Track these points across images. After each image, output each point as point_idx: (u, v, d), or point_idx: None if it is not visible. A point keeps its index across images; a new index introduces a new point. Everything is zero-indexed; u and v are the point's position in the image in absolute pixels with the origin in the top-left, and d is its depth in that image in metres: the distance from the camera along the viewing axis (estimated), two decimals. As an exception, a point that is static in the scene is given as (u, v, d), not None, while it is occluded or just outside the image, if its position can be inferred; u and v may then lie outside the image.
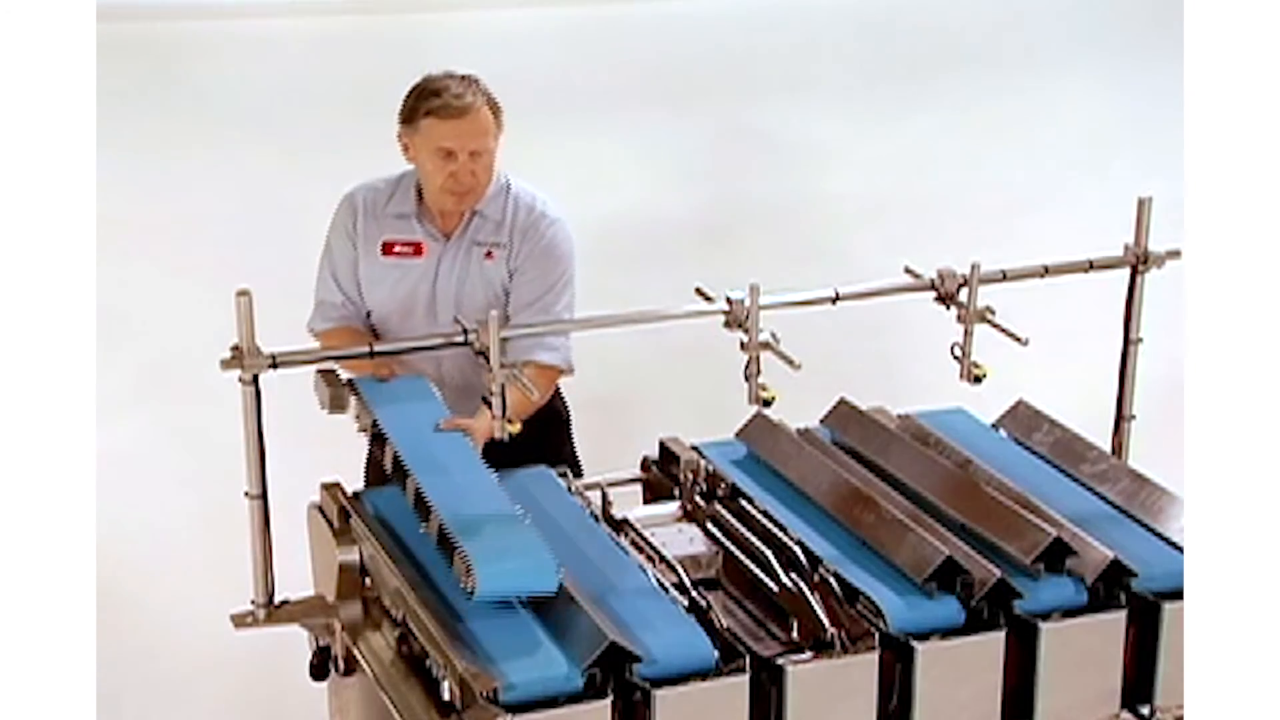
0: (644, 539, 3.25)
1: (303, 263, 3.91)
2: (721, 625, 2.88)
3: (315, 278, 3.77)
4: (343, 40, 11.15)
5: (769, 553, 3.13)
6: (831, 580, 3.01)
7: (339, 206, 3.77)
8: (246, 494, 3.10)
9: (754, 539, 3.19)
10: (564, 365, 3.72)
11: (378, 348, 3.28)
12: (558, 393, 3.92)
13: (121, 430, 5.59)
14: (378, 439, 3.28)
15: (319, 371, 3.33)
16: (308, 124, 9.32)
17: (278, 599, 3.17)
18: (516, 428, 3.06)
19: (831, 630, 2.89)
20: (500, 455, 3.30)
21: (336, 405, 3.31)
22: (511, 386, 3.09)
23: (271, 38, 11.07)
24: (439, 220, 3.69)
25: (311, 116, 9.49)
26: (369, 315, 3.76)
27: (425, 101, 3.57)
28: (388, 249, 3.69)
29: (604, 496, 3.40)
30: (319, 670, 3.19)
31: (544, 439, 3.68)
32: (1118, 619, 2.99)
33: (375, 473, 3.80)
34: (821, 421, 3.67)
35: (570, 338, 3.71)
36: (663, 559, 3.18)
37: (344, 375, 3.40)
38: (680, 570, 3.08)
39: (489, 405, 3.10)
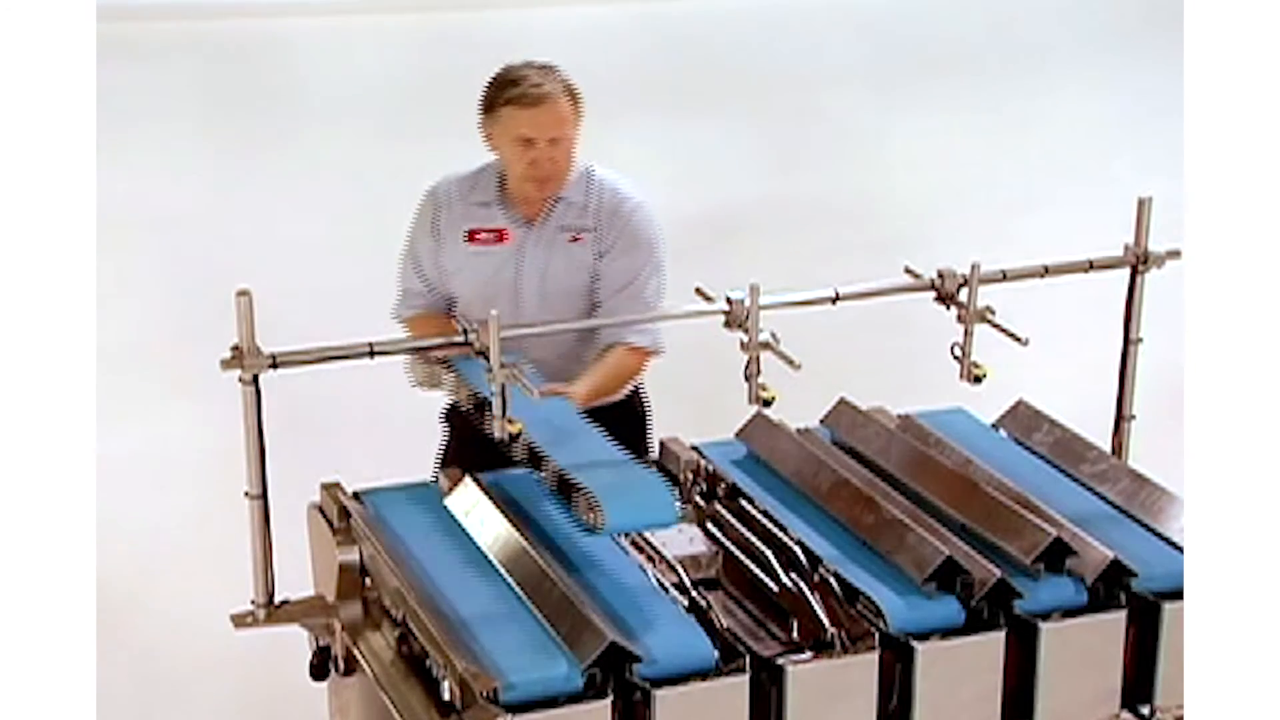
0: (644, 539, 3.25)
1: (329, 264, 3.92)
2: (721, 625, 2.88)
3: (398, 266, 3.85)
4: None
5: (769, 553, 3.13)
6: (831, 580, 3.01)
7: (422, 201, 3.82)
8: (246, 494, 3.10)
9: (754, 539, 3.19)
10: (653, 347, 3.77)
11: (378, 347, 3.26)
12: (638, 391, 3.93)
13: (122, 430, 5.59)
14: (479, 408, 3.28)
15: (413, 351, 3.37)
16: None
17: (278, 599, 3.17)
18: (517, 428, 3.06)
19: (831, 630, 2.88)
20: None
21: (432, 382, 3.38)
22: (606, 359, 3.25)
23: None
24: (522, 207, 3.72)
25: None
26: (453, 304, 3.81)
27: (504, 91, 3.62)
28: (471, 236, 3.74)
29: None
30: (319, 670, 3.19)
31: (621, 436, 3.69)
32: (1118, 619, 2.99)
33: (452, 463, 3.79)
34: (821, 421, 3.67)
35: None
36: (663, 559, 3.18)
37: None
38: (680, 570, 3.08)
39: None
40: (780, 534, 3.18)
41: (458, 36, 10.91)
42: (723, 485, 3.41)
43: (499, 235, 3.73)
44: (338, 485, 3.29)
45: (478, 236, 3.73)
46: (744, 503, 3.33)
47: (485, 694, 2.65)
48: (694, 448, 3.54)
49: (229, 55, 10.81)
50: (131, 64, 10.30)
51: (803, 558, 3.09)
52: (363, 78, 10.30)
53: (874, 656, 2.84)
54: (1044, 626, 2.93)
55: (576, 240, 3.73)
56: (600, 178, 3.77)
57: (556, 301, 3.71)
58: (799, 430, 3.59)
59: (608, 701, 2.70)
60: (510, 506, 3.21)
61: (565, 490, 3.01)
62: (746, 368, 3.18)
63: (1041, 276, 3.51)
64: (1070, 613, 2.98)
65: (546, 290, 3.72)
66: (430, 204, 3.81)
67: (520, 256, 3.73)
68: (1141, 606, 3.01)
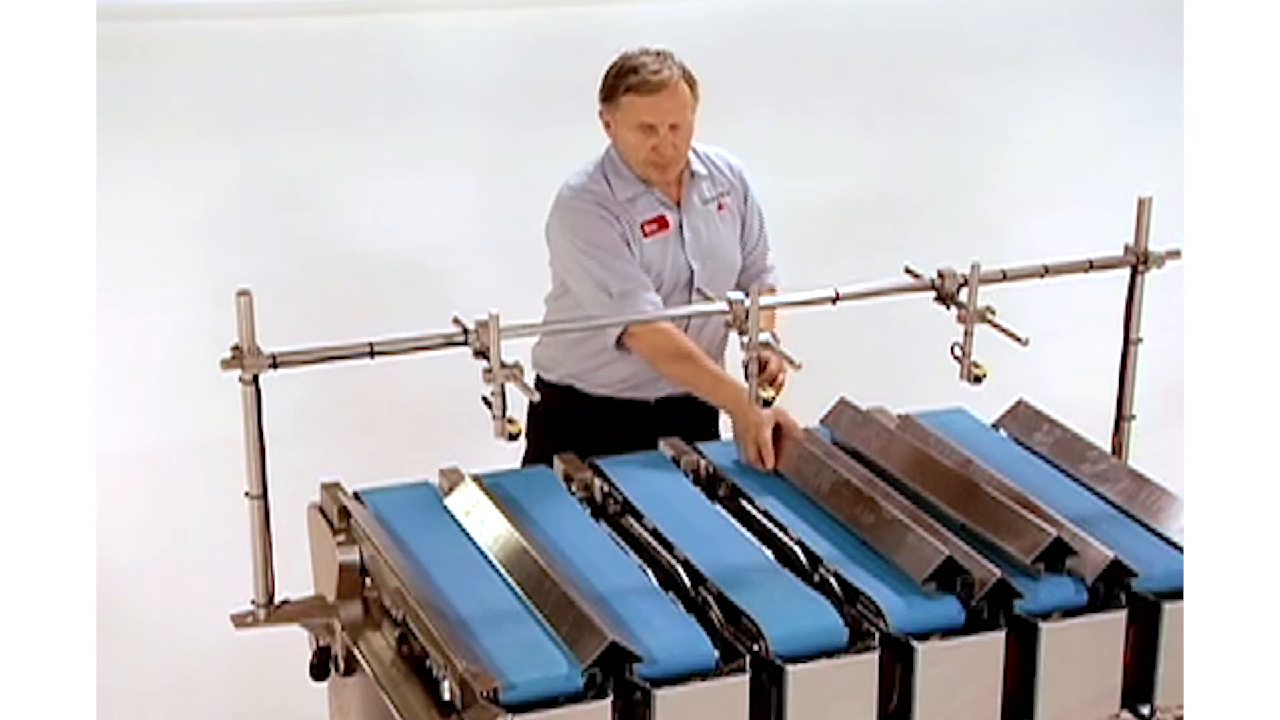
0: (644, 539, 3.24)
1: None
2: (721, 624, 2.88)
3: (590, 291, 3.68)
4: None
5: (769, 553, 3.13)
6: (831, 580, 3.01)
7: (569, 207, 3.72)
8: (246, 494, 3.09)
9: (754, 539, 3.19)
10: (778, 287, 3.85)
11: (378, 347, 3.25)
12: None
13: (122, 430, 5.59)
14: (630, 510, 3.32)
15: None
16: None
17: (278, 599, 3.17)
18: (517, 428, 3.06)
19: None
20: (651, 430, 3.55)
21: (582, 488, 3.39)
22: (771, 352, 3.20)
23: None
24: (662, 190, 3.76)
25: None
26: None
27: (624, 79, 3.65)
28: (644, 232, 3.73)
29: (604, 495, 3.40)
30: (319, 670, 3.19)
31: (695, 422, 3.71)
32: (1118, 619, 2.99)
33: None
34: (821, 421, 3.67)
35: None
36: (663, 559, 3.18)
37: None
38: (680, 570, 3.08)
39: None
40: (780, 534, 3.18)
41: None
42: (723, 485, 3.41)
43: (661, 222, 3.74)
44: (338, 485, 3.29)
45: (647, 230, 3.73)
46: (744, 503, 3.33)
47: (485, 694, 2.65)
48: (694, 448, 3.54)
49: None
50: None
51: (803, 558, 3.09)
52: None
53: (874, 656, 2.84)
54: (1044, 626, 2.93)
55: (722, 207, 3.81)
56: (699, 147, 3.82)
57: (722, 271, 3.77)
58: (799, 430, 3.59)
59: (608, 701, 2.70)
60: (510, 506, 3.21)
61: (726, 609, 2.93)
62: (746, 368, 3.18)
63: (1041, 276, 3.51)
64: (1070, 613, 2.98)
65: (715, 264, 3.77)
66: (585, 201, 3.70)
67: (683, 237, 3.76)
68: (1141, 606, 3.01)
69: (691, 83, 3.68)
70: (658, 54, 3.67)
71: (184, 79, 10.23)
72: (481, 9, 11.68)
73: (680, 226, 3.75)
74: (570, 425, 3.69)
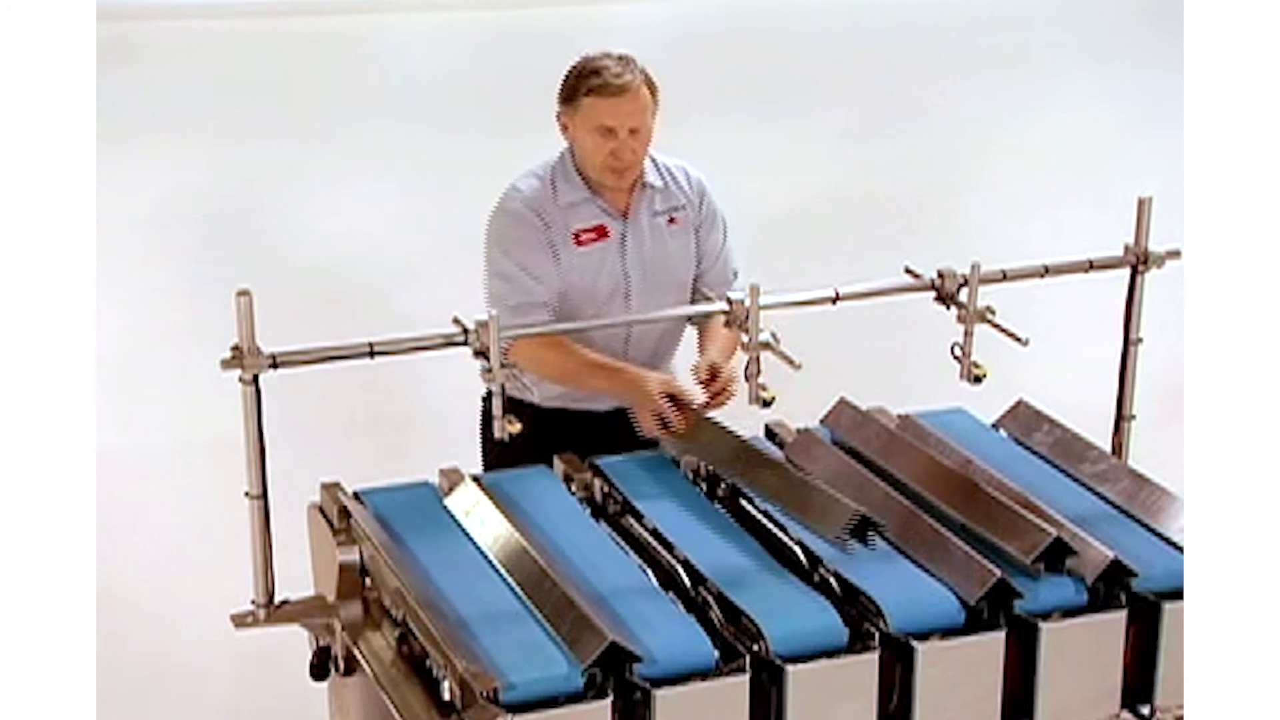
0: (644, 539, 3.25)
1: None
2: (721, 625, 2.88)
3: (490, 294, 3.68)
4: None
5: (769, 553, 3.13)
6: (831, 580, 3.01)
7: (504, 211, 3.71)
8: (246, 494, 3.10)
9: (754, 539, 3.19)
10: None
11: (378, 347, 3.25)
12: None
13: (122, 430, 5.59)
14: (630, 510, 3.32)
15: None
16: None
17: (278, 599, 3.17)
18: (516, 428, 3.06)
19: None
20: (605, 440, 3.53)
21: (582, 488, 3.41)
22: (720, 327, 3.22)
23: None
24: (609, 197, 3.73)
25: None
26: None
27: (585, 81, 3.62)
28: (577, 239, 3.70)
29: (604, 495, 3.40)
30: (319, 670, 3.19)
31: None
32: (1118, 619, 2.99)
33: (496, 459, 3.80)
34: (821, 421, 3.67)
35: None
36: (663, 559, 3.18)
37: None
38: (680, 570, 3.08)
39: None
40: (780, 534, 3.18)
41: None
42: (723, 485, 3.41)
43: (599, 232, 3.70)
44: (338, 485, 3.29)
45: (582, 238, 3.69)
46: (744, 503, 3.33)
47: (485, 694, 2.65)
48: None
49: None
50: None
51: (803, 558, 3.09)
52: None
53: (874, 656, 2.85)
54: (1044, 626, 2.93)
55: (674, 221, 3.77)
56: (661, 159, 3.80)
57: (664, 285, 3.74)
58: (799, 430, 3.59)
59: (608, 701, 2.70)
60: (510, 506, 3.21)
61: (726, 608, 2.93)
62: (746, 368, 3.19)
63: (1041, 276, 3.52)
64: (1070, 613, 2.98)
65: (657, 276, 3.74)
66: (519, 205, 3.69)
67: (624, 248, 3.72)
68: (1141, 606, 3.01)
69: (652, 88, 3.65)
70: (620, 58, 3.64)
71: (180, 79, 10.22)
72: (484, 9, 11.68)
73: (623, 237, 3.71)
74: (525, 436, 3.64)
